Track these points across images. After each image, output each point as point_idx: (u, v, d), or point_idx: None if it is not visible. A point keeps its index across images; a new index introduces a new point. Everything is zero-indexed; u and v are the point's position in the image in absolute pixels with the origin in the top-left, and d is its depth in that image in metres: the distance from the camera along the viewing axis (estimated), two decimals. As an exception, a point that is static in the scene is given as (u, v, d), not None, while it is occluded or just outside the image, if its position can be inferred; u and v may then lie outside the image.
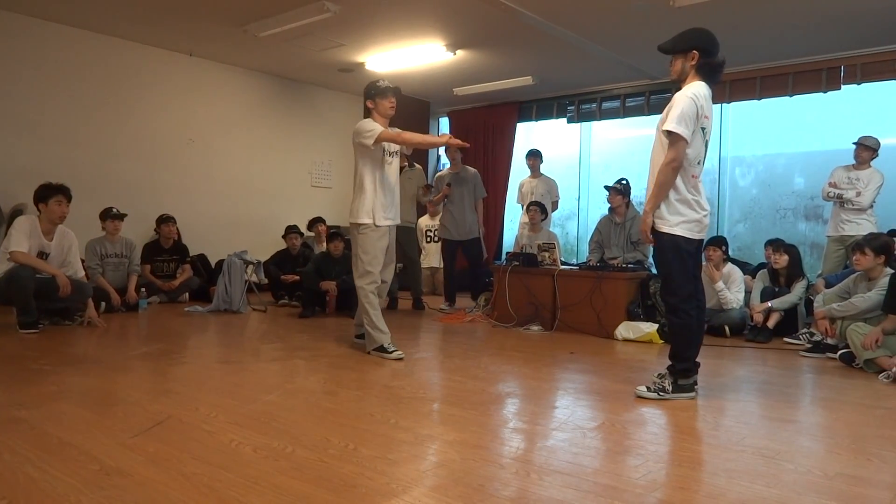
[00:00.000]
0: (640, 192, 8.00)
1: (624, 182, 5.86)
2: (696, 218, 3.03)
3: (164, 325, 5.17)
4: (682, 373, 3.07)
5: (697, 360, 3.16)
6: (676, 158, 2.91)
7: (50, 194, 4.68)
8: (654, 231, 3.05)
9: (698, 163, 3.05)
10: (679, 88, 3.05)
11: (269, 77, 8.04)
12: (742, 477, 2.06)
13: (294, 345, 4.38)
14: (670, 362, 3.10)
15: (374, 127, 3.94)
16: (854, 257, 4.29)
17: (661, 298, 3.15)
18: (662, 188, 2.97)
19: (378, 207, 4.00)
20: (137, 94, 6.88)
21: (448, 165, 6.86)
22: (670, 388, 3.06)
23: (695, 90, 2.96)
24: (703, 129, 3.00)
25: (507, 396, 3.10)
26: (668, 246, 3.02)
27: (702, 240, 3.13)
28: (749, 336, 4.99)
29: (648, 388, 3.10)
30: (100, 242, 5.72)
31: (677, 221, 3.00)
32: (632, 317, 5.02)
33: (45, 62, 6.20)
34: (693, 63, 3.01)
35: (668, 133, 2.91)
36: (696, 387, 3.13)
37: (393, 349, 3.96)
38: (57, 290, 4.57)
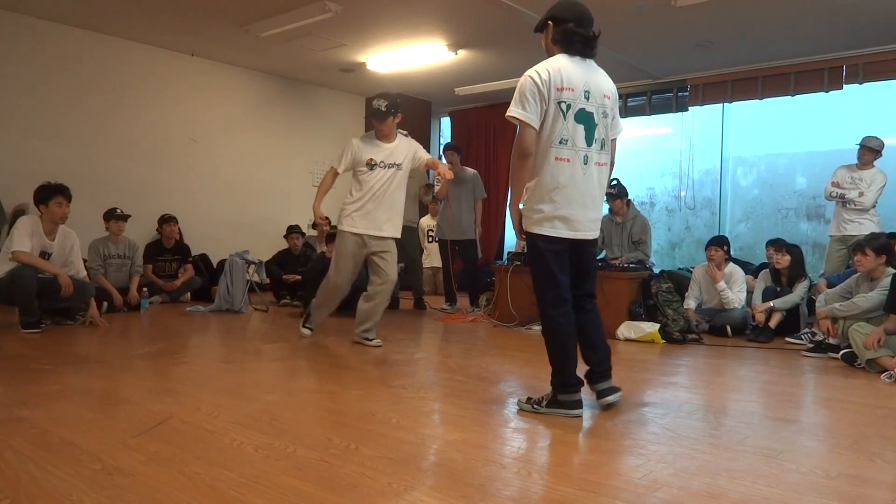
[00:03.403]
0: (639, 193, 8.02)
1: (614, 183, 5.76)
2: (559, 215, 2.61)
3: (165, 324, 5.17)
4: (560, 387, 2.71)
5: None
6: (520, 147, 2.60)
7: (49, 196, 4.68)
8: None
9: (561, 142, 2.60)
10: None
11: (270, 77, 8.05)
12: (744, 477, 2.06)
13: (295, 345, 4.39)
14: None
15: (340, 155, 4.53)
16: (855, 258, 4.29)
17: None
18: (512, 181, 2.70)
19: (354, 214, 4.37)
20: (139, 94, 6.89)
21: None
22: (544, 404, 2.74)
23: (539, 65, 2.64)
24: (561, 102, 2.59)
25: (509, 396, 3.09)
26: (529, 244, 2.70)
27: (584, 239, 2.70)
28: (751, 336, 4.99)
29: (530, 399, 2.80)
30: (103, 243, 5.72)
31: (536, 219, 2.65)
32: (633, 316, 5.03)
33: (46, 62, 6.21)
34: (550, 35, 2.76)
35: (512, 119, 2.61)
36: (580, 405, 2.71)
37: (310, 329, 4.57)
38: (59, 289, 4.57)
